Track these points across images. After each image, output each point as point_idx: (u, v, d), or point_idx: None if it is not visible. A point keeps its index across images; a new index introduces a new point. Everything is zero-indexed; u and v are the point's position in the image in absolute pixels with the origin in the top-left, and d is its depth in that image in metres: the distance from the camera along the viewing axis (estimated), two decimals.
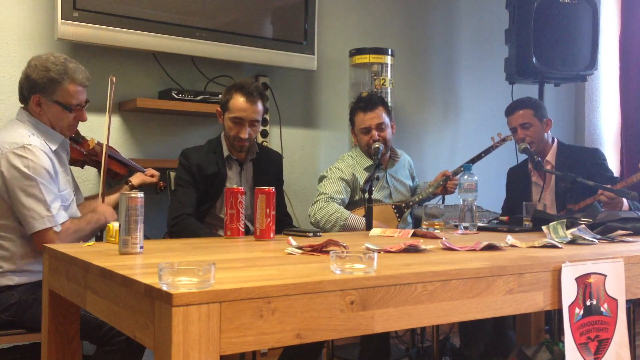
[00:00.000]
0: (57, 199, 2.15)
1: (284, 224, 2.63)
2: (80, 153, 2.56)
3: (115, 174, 2.69)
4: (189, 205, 2.55)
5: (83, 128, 2.62)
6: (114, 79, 2.41)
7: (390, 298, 1.28)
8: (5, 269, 2.16)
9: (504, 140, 3.07)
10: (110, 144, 2.51)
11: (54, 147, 2.24)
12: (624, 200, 2.71)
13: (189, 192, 2.59)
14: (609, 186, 2.69)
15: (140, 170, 2.73)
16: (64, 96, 2.23)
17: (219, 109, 2.66)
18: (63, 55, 2.27)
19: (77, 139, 2.56)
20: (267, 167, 2.78)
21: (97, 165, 2.62)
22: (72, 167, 2.55)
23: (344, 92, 3.74)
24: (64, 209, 2.20)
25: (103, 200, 2.45)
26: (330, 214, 2.77)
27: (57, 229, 2.12)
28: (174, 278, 1.11)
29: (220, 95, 2.82)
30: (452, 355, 3.09)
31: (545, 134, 3.14)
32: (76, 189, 2.46)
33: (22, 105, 2.29)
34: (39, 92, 2.21)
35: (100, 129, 2.90)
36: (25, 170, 2.09)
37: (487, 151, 3.03)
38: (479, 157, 3.00)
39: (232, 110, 2.58)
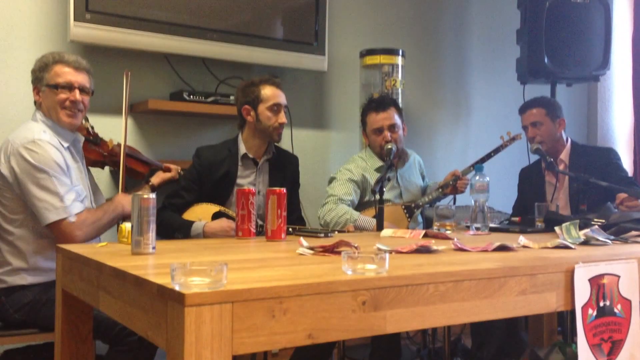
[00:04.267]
0: (71, 191, 2.17)
1: None
2: (100, 154, 2.58)
3: (137, 172, 2.70)
4: (175, 200, 2.62)
5: (99, 129, 2.64)
6: (129, 72, 2.44)
7: (402, 298, 1.28)
8: (17, 266, 2.18)
9: (513, 139, 3.06)
10: (127, 144, 2.53)
11: (65, 145, 2.27)
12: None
13: (183, 190, 2.64)
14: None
15: (160, 167, 2.75)
16: (53, 77, 2.27)
17: (247, 106, 2.67)
18: (67, 52, 2.34)
19: (96, 141, 2.58)
20: (284, 169, 2.80)
21: (117, 165, 2.64)
22: (92, 169, 2.57)
23: (355, 93, 3.74)
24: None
25: None
26: (339, 216, 2.77)
27: (72, 219, 2.14)
28: (186, 278, 1.12)
29: (232, 97, 2.83)
30: (463, 356, 3.08)
31: (558, 133, 3.12)
32: (95, 189, 2.48)
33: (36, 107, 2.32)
34: (35, 82, 2.28)
35: (115, 129, 2.92)
36: (36, 163, 2.11)
37: (496, 150, 3.02)
38: (488, 157, 2.99)
39: (267, 99, 2.65)
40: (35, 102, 2.33)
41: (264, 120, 2.65)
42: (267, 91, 2.66)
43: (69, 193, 2.16)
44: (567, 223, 2.06)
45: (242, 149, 2.70)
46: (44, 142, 2.15)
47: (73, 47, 2.92)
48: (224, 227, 2.44)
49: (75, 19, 2.78)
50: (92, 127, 2.59)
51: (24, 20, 2.89)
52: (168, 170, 2.73)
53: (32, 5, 2.91)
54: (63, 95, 2.27)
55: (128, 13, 2.92)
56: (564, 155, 3.12)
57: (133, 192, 2.52)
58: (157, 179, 2.68)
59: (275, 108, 2.66)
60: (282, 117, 2.69)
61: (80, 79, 2.30)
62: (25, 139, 2.15)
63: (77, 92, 2.29)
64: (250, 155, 2.71)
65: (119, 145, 2.60)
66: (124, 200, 2.33)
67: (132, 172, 2.68)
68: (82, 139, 2.44)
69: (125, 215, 2.29)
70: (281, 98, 2.69)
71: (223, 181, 2.66)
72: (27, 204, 2.15)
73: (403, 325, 1.29)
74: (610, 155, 3.10)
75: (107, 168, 2.96)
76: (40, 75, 2.27)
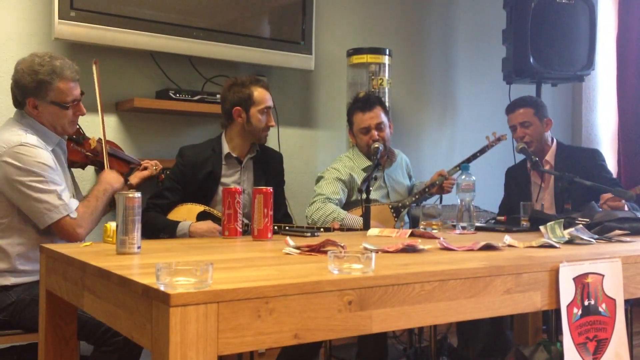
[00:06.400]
0: (65, 189, 2.19)
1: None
2: (82, 154, 2.55)
3: (117, 171, 2.67)
4: (159, 201, 2.61)
5: (85, 127, 2.61)
6: (97, 61, 2.45)
7: (388, 298, 1.28)
8: (1, 268, 2.15)
9: (499, 139, 3.07)
10: (109, 141, 2.51)
11: (50, 147, 2.24)
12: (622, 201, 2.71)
13: (167, 190, 2.63)
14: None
15: (138, 164, 2.72)
16: (58, 95, 2.22)
17: (238, 108, 2.65)
18: (48, 53, 2.24)
19: (78, 140, 2.56)
20: (268, 167, 2.79)
21: (99, 165, 2.62)
22: (73, 169, 2.54)
23: (342, 92, 3.74)
24: None
25: None
26: (327, 215, 2.76)
27: (73, 215, 2.16)
28: (171, 278, 1.11)
29: (219, 95, 2.82)
30: (449, 355, 3.09)
31: (545, 133, 3.14)
32: (76, 190, 2.46)
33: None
34: (32, 95, 2.21)
35: (96, 127, 2.89)
36: (26, 167, 2.10)
37: (482, 150, 3.02)
38: (474, 157, 3.00)
39: (259, 102, 2.67)
40: (17, 107, 2.27)
41: (255, 122, 2.66)
42: (259, 94, 2.67)
43: (65, 191, 2.18)
44: (552, 222, 2.07)
45: (226, 149, 2.70)
46: (31, 144, 2.13)
47: (57, 45, 2.90)
48: (210, 227, 2.43)
49: (59, 17, 2.75)
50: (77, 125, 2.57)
51: (7, 18, 2.86)
52: (145, 169, 2.71)
53: (16, 3, 2.88)
54: (72, 111, 2.27)
55: (113, 11, 2.90)
56: (550, 156, 3.14)
57: (117, 192, 2.49)
58: (135, 178, 2.65)
59: (266, 111, 2.68)
60: (272, 120, 2.72)
61: (79, 88, 2.30)
62: (12, 142, 2.12)
63: (81, 104, 2.31)
64: (234, 155, 2.70)
65: (100, 142, 2.57)
66: (111, 178, 2.36)
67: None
68: (66, 138, 2.42)
69: (117, 190, 2.30)
70: (271, 101, 2.72)
71: (207, 180, 2.65)
72: (22, 208, 2.13)
73: (389, 324, 1.29)
74: (595, 157, 3.13)
75: (90, 168, 2.93)
76: (37, 91, 2.19)
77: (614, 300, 1.63)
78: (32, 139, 2.16)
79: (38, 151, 2.13)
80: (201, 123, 3.35)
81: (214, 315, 1.09)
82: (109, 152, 2.57)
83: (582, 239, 1.97)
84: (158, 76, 3.20)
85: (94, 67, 2.47)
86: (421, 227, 2.37)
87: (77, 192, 2.46)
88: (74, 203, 2.20)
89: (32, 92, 2.20)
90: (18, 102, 2.25)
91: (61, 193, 2.15)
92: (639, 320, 3.71)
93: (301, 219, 3.33)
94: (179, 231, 2.46)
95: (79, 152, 2.55)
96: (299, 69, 3.53)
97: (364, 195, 2.57)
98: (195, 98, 3.12)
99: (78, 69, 2.30)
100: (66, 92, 2.24)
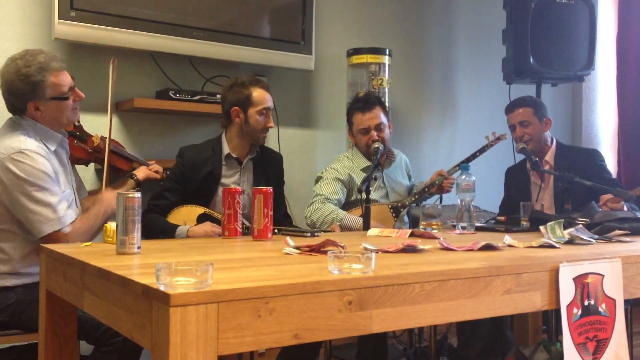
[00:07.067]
0: (62, 200, 2.13)
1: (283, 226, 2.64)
2: (85, 151, 2.54)
3: (119, 169, 2.67)
4: (160, 202, 2.61)
5: (85, 127, 2.61)
6: (116, 60, 2.43)
7: (388, 298, 1.28)
8: (2, 271, 2.15)
9: (498, 139, 3.07)
10: (113, 138, 2.50)
11: (52, 147, 2.22)
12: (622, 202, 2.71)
13: (167, 191, 2.62)
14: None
15: (145, 164, 2.70)
16: (55, 89, 2.19)
17: (236, 108, 2.65)
18: (27, 52, 2.20)
19: (82, 137, 2.54)
20: (268, 167, 2.79)
21: (102, 162, 2.61)
22: (77, 166, 2.53)
23: (342, 92, 3.74)
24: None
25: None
26: (326, 215, 2.76)
27: (66, 230, 2.10)
28: (171, 278, 1.11)
29: (219, 95, 2.82)
30: (449, 355, 3.09)
31: (545, 133, 3.14)
32: (79, 184, 2.45)
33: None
34: (32, 99, 2.18)
35: (100, 126, 2.90)
36: (25, 175, 2.06)
37: (481, 150, 3.02)
38: (474, 156, 3.00)
39: (258, 103, 2.65)
40: (14, 113, 2.25)
41: (253, 123, 2.65)
42: (258, 94, 2.65)
43: (61, 203, 2.12)
44: (552, 222, 2.07)
45: (226, 149, 2.70)
46: (31, 151, 2.09)
47: (57, 45, 2.90)
48: (207, 231, 2.42)
49: (59, 17, 2.76)
50: (78, 121, 2.56)
51: (7, 18, 2.87)
52: (155, 171, 2.69)
53: (17, 3, 2.88)
54: (71, 99, 2.24)
55: (113, 11, 2.90)
56: (549, 156, 3.14)
57: (117, 186, 2.48)
58: (142, 174, 2.62)
59: (265, 112, 2.67)
60: (271, 121, 2.70)
61: (69, 74, 2.27)
62: (12, 149, 2.09)
63: (76, 89, 2.27)
64: (234, 155, 2.70)
65: (103, 140, 2.56)
66: (111, 198, 2.29)
67: (116, 170, 2.65)
68: (67, 136, 2.41)
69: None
70: (270, 102, 2.70)
71: (207, 181, 2.64)
72: (18, 216, 2.11)
73: (389, 324, 1.29)
74: (594, 157, 3.13)
75: (91, 166, 2.94)
76: (34, 93, 2.16)
77: (614, 300, 1.63)
78: (32, 144, 2.12)
79: (38, 158, 2.09)
80: (201, 123, 3.35)
81: (214, 315, 1.09)
82: (113, 150, 2.56)
83: (582, 239, 1.97)
84: (158, 76, 3.20)
85: (110, 66, 2.46)
86: (421, 227, 2.37)
87: (81, 190, 2.45)
88: (69, 216, 2.13)
89: (30, 95, 2.17)
90: (18, 109, 2.21)
91: (56, 205, 2.09)
92: (639, 320, 3.71)
93: (301, 219, 3.33)
94: (177, 236, 2.45)
95: (83, 149, 2.54)
96: (299, 69, 3.53)
97: (364, 196, 2.57)
98: (195, 98, 3.12)
99: (60, 56, 2.26)
100: (61, 84, 2.21)
